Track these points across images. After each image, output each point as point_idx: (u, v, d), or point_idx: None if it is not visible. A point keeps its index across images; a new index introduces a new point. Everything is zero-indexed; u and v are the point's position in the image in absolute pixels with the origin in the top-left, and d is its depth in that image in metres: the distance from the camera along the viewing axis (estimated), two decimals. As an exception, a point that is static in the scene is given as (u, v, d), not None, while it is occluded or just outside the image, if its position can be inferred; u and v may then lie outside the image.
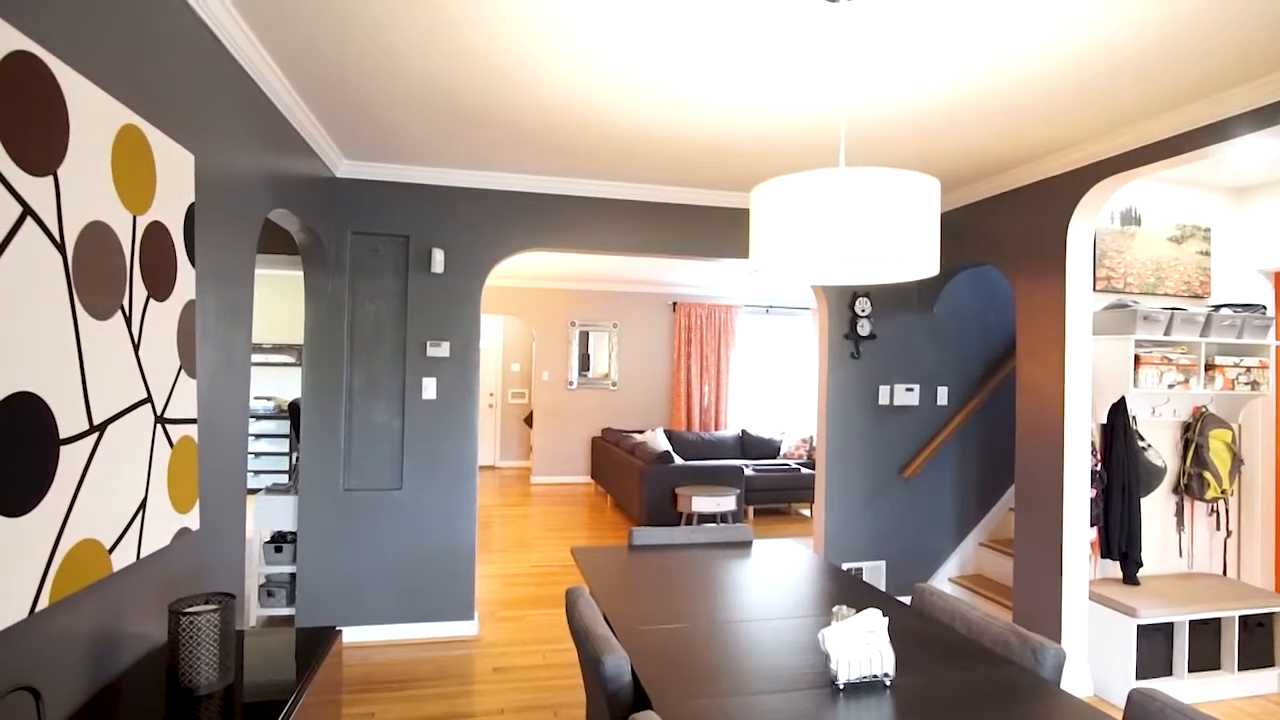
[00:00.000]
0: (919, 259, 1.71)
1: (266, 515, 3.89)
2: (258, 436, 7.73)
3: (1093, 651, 3.40)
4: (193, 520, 1.90)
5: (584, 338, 9.02)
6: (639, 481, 6.12)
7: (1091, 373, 3.51)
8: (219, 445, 2.18)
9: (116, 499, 1.52)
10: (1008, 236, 3.68)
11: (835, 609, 1.77)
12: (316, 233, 3.46)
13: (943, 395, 4.53)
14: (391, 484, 3.81)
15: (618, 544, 5.63)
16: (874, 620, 1.69)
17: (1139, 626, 3.25)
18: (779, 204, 1.78)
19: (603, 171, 3.76)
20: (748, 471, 7.01)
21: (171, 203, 1.78)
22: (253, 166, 2.47)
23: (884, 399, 4.43)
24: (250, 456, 7.69)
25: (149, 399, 1.65)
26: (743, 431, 8.74)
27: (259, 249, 4.58)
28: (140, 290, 1.62)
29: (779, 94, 2.68)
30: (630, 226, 4.07)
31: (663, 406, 9.23)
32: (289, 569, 3.89)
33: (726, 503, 5.84)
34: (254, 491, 7.47)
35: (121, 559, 1.54)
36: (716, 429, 9.18)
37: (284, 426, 7.87)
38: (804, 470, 7.36)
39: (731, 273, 7.88)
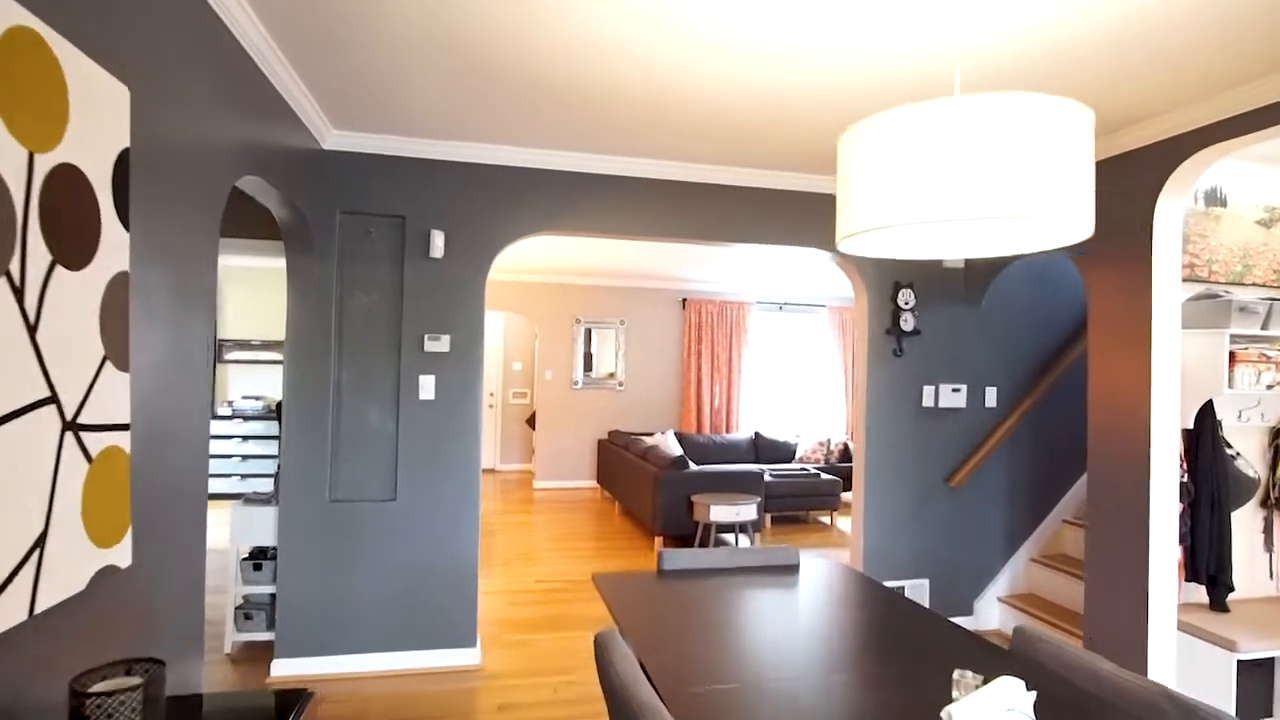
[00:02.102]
0: (1070, 216, 1.30)
1: (244, 528, 3.48)
2: (245, 439, 7.31)
3: (1181, 689, 2.99)
4: (121, 555, 1.49)
5: (589, 335, 8.61)
6: (653, 489, 5.71)
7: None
8: (168, 457, 1.77)
9: (-2, 536, 1.11)
10: (1078, 218, 3.27)
11: (956, 675, 1.36)
12: (300, 211, 3.05)
13: (991, 396, 4.13)
14: (385, 494, 3.40)
15: (640, 566, 5.23)
16: (1014, 693, 1.28)
17: (1239, 662, 2.85)
18: (881, 148, 1.37)
19: (632, 145, 3.35)
20: (766, 477, 6.60)
21: (93, 144, 1.36)
22: (217, 123, 2.06)
23: (928, 400, 4.02)
24: (237, 460, 7.26)
25: (52, 398, 1.24)
26: (756, 434, 8.34)
27: (245, 234, 4.16)
28: (40, 253, 1.21)
29: (869, 35, 2.27)
30: (661, 209, 3.66)
31: (671, 408, 8.82)
32: (269, 589, 3.48)
33: (747, 511, 5.43)
34: (232, 497, 7.05)
35: (4, 617, 1.13)
36: (728, 431, 8.77)
37: (274, 428, 7.45)
38: (824, 476, 6.95)
39: (744, 268, 7.47)
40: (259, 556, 3.53)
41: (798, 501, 6.80)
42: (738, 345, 8.83)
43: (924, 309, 4.02)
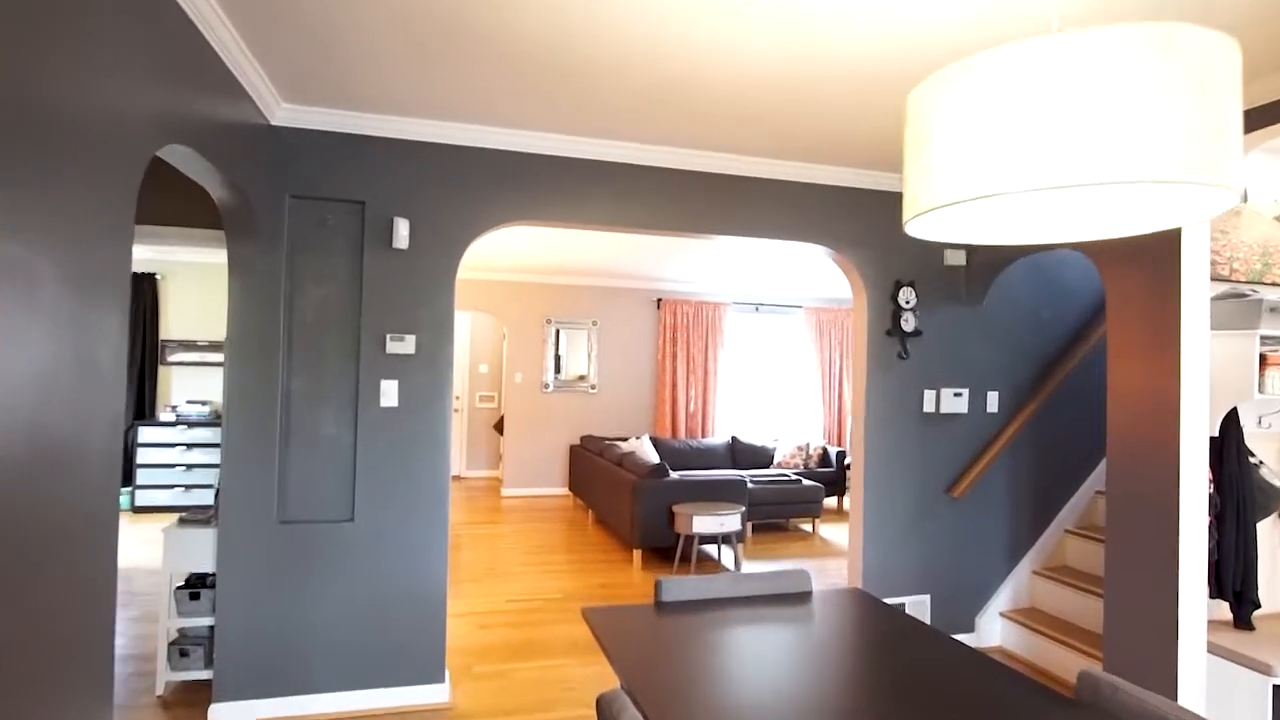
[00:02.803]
0: (1215, 179, 1.04)
1: (180, 552, 3.07)
2: (190, 447, 6.79)
3: (1211, 715, 2.80)
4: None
5: (560, 336, 8.27)
6: (631, 498, 5.40)
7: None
8: (57, 484, 1.40)
9: None
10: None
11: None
12: (244, 193, 2.67)
13: (992, 401, 3.92)
14: (341, 514, 3.02)
15: (619, 581, 4.90)
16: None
17: (1275, 687, 2.66)
18: (974, 101, 1.09)
19: (625, 128, 3.04)
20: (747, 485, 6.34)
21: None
22: (132, 78, 1.69)
23: (929, 405, 3.80)
24: (181, 470, 6.74)
25: None
26: (733, 439, 8.10)
27: (190, 223, 3.73)
28: None
29: None
30: (652, 199, 3.36)
31: (646, 412, 8.52)
32: (208, 621, 3.07)
33: (731, 522, 5.16)
34: (176, 510, 6.55)
35: None
36: (704, 436, 8.51)
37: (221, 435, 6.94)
38: (806, 482, 6.73)
39: (721, 267, 7.21)
40: (197, 585, 3.12)
41: (780, 509, 6.56)
42: (713, 347, 8.58)
43: (924, 309, 3.79)
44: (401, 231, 3.03)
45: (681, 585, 2.29)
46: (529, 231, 5.69)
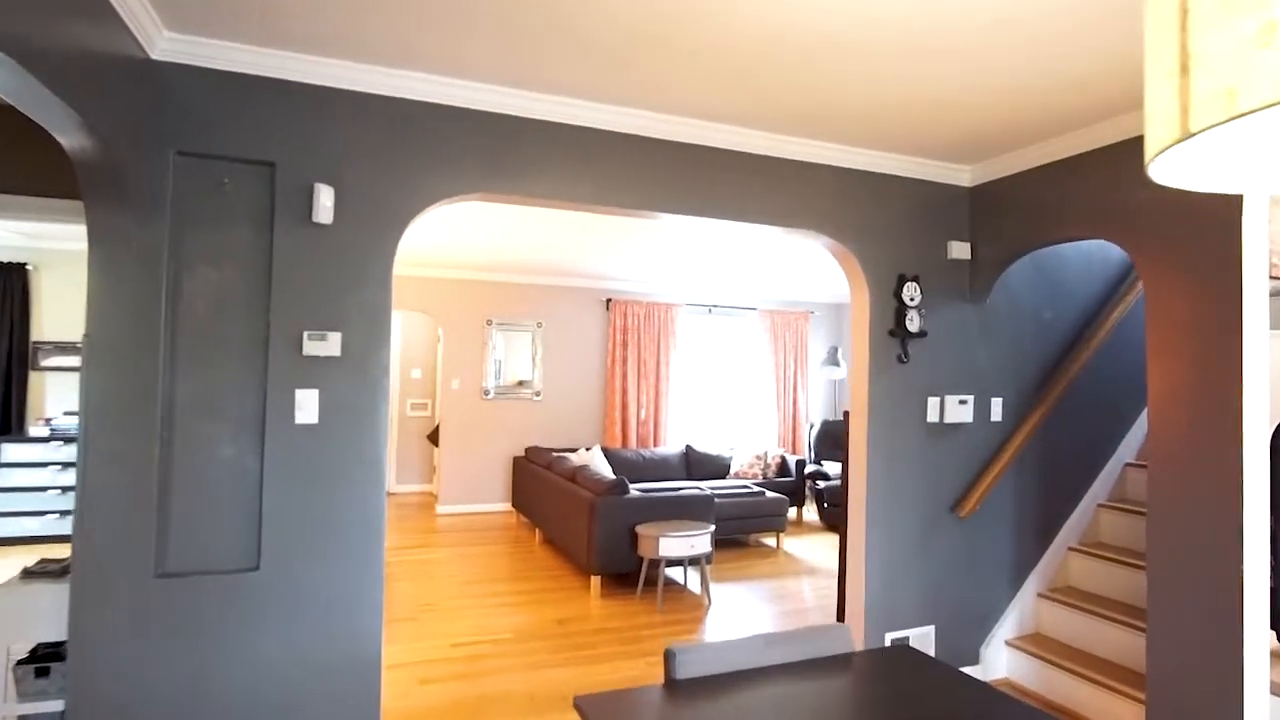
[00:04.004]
0: None
1: (23, 617, 2.35)
2: (65, 466, 5.80)
3: (1269, 763, 2.49)
4: None
5: (502, 339, 7.62)
6: (588, 518, 4.84)
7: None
8: None
9: None
10: (1136, 199, 2.74)
11: None
12: (110, 144, 2.00)
13: (997, 409, 3.57)
14: (241, 561, 2.36)
15: (577, 613, 4.12)
16: None
17: (1351, 733, 2.36)
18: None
19: (605, 84, 2.50)
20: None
21: None
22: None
23: (933, 414, 3.41)
24: (55, 494, 5.75)
25: None
26: (687, 448, 7.64)
27: (59, 193, 2.96)
28: None
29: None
30: (630, 173, 2.84)
31: (594, 420, 7.96)
32: (57, 706, 2.35)
33: (701, 543, 4.67)
34: (52, 540, 5.58)
35: None
36: (656, 445, 8.02)
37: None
38: (768, 494, 6.33)
39: (673, 265, 6.74)
40: (47, 658, 2.39)
41: (742, 524, 6.14)
42: (666, 350, 8.11)
43: (927, 307, 3.41)
44: (324, 201, 2.40)
45: (699, 655, 1.77)
46: (468, 222, 5.06)
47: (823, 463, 7.54)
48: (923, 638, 3.38)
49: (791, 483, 7.29)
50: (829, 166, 3.20)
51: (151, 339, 2.25)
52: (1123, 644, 3.25)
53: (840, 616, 3.78)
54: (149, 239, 2.25)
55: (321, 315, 2.44)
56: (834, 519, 6.90)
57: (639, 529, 4.72)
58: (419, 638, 3.93)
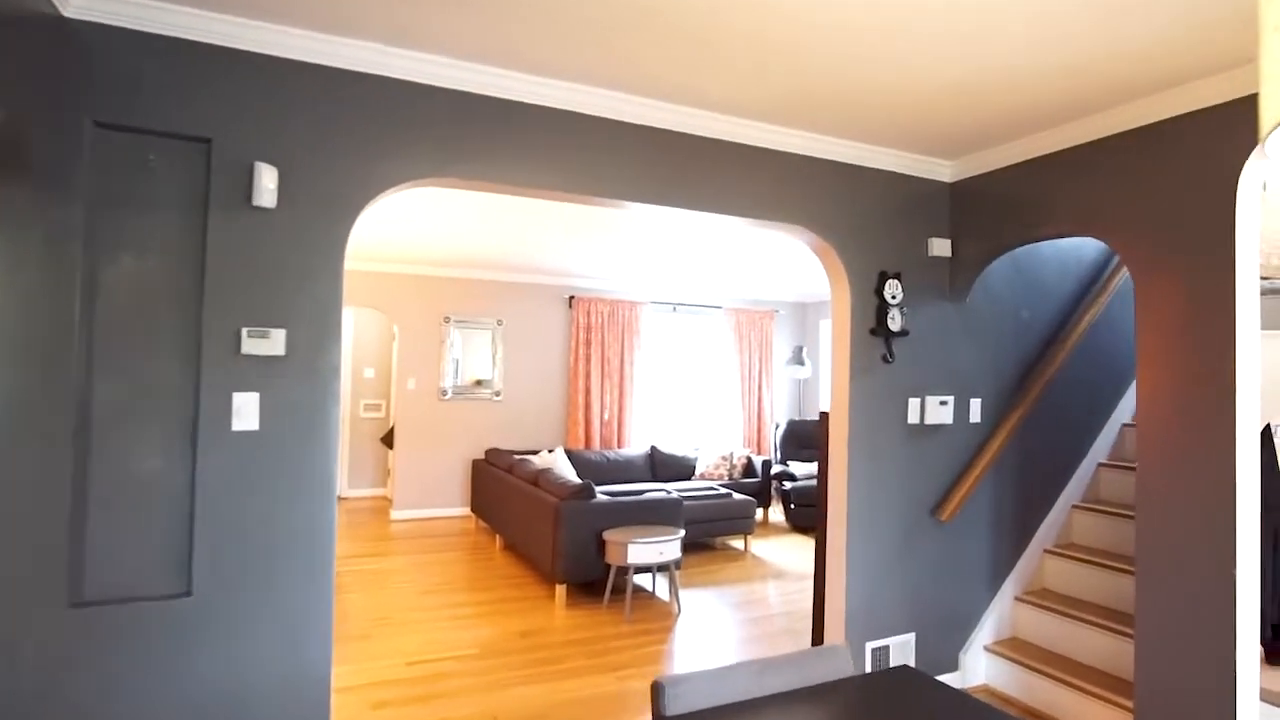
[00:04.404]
0: None
1: (-92, 653, 2.03)
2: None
3: (1258, 771, 2.45)
4: None
5: (460, 337, 7.34)
6: (553, 524, 4.64)
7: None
8: None
9: None
10: (1127, 195, 2.67)
11: None
12: (10, 110, 1.72)
13: (975, 410, 3.50)
14: (171, 586, 2.10)
15: (542, 625, 3.84)
16: None
17: (1341, 741, 2.33)
18: None
19: (582, 60, 2.31)
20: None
21: None
22: None
23: (914, 416, 3.32)
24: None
25: None
26: (652, 449, 7.49)
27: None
28: None
29: None
30: (605, 161, 2.65)
31: (557, 421, 7.74)
32: (-47, 757, 2.05)
33: (671, 549, 4.51)
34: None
35: None
36: (620, 446, 7.84)
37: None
38: (736, 496, 6.21)
39: (637, 261, 6.57)
40: (-63, 698, 2.09)
41: (710, 527, 6.00)
42: (630, 349, 7.93)
43: (908, 305, 3.31)
44: (266, 183, 2.15)
45: (689, 686, 1.60)
46: (424, 213, 4.80)
47: (789, 463, 7.47)
48: (903, 646, 3.28)
49: (758, 483, 7.20)
50: (811, 158, 3.07)
51: (63, 335, 1.98)
52: (1100, 648, 3.20)
53: (817, 624, 3.67)
54: (60, 220, 1.97)
55: (263, 310, 2.19)
56: (801, 520, 6.83)
57: (606, 535, 4.54)
58: (372, 656, 3.68)
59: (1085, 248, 3.94)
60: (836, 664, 1.79)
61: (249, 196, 2.17)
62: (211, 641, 2.11)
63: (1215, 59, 2.25)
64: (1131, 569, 3.29)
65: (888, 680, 1.75)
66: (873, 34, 2.13)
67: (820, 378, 8.80)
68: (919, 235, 3.36)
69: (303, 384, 2.22)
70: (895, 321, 3.21)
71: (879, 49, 2.23)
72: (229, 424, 2.13)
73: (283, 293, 2.21)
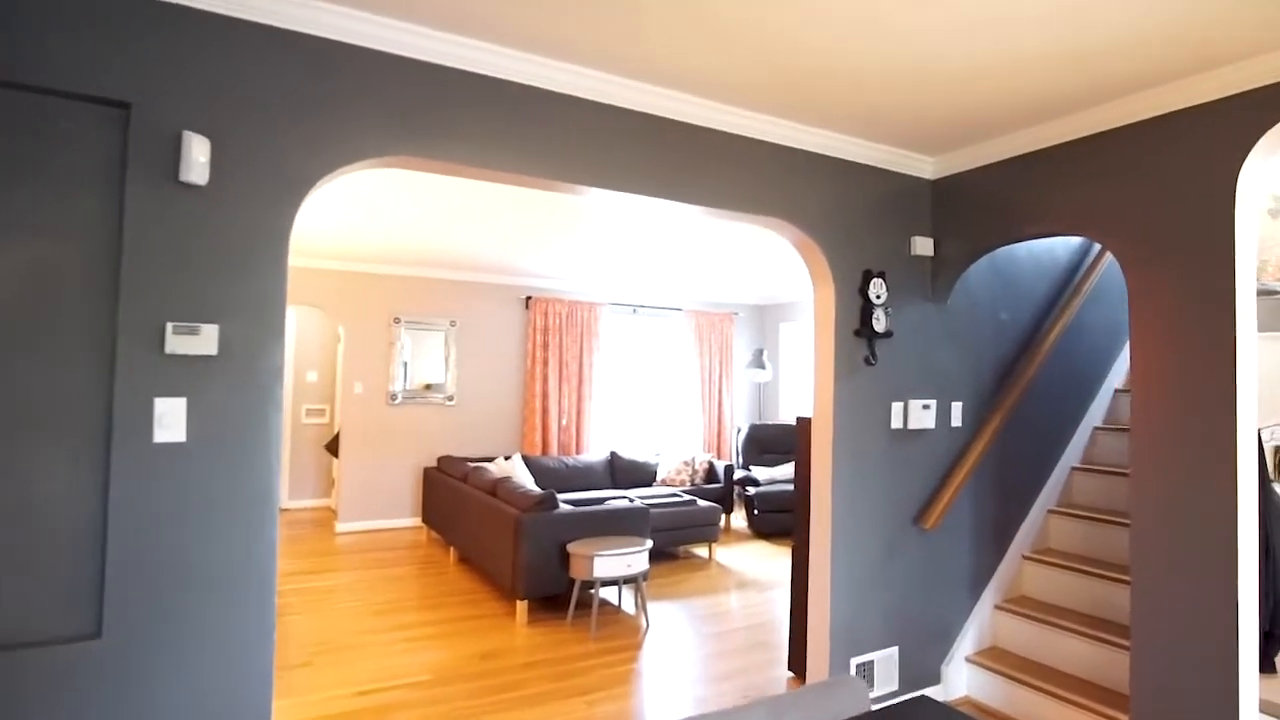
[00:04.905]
0: None
1: None
2: None
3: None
4: None
5: (411, 339, 6.98)
6: (513, 537, 4.38)
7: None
8: None
9: None
10: (1123, 193, 2.59)
11: None
12: None
13: (957, 413, 3.41)
14: (76, 627, 1.79)
15: (504, 645, 3.52)
16: None
17: (1342, 752, 2.27)
18: None
19: (558, 35, 2.08)
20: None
21: None
22: None
23: (897, 420, 3.20)
24: None
25: None
26: (612, 454, 7.27)
27: None
28: None
29: None
30: (577, 144, 2.43)
31: (513, 426, 7.44)
32: None
33: (638, 561, 4.30)
34: None
35: None
36: (579, 452, 7.60)
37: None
38: (701, 503, 6.04)
39: (596, 261, 6.36)
40: None
41: (675, 535, 5.82)
42: (589, 352, 7.70)
43: (892, 305, 3.19)
44: (197, 156, 1.87)
45: (699, 732, 1.40)
46: (373, 207, 4.49)
47: (751, 468, 7.35)
48: (887, 660, 3.15)
49: (720, 489, 7.05)
50: (793, 149, 2.92)
51: (-58, 331, 1.65)
52: (1080, 655, 3.14)
53: (795, 640, 3.51)
54: (-62, 194, 1.65)
55: (192, 303, 1.90)
56: (765, 527, 6.71)
57: (571, 548, 4.30)
58: (316, 687, 3.36)
59: (1059, 249, 3.91)
60: (854, 698, 1.61)
61: (176, 171, 1.87)
62: (126, 688, 1.80)
63: (1217, 52, 2.17)
64: (1109, 574, 3.24)
65: (904, 713, 1.59)
66: (861, 13, 1.98)
67: (780, 381, 8.73)
68: (902, 233, 3.24)
69: (239, 388, 1.94)
70: (880, 322, 3.08)
71: (870, 26, 2.08)
72: (149, 435, 1.83)
73: (216, 283, 1.92)
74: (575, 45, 2.22)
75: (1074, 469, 3.87)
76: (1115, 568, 3.35)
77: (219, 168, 1.92)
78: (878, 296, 3.08)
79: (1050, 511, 3.75)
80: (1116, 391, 4.12)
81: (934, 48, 2.19)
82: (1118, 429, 3.88)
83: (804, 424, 3.56)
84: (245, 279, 1.96)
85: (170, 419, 1.85)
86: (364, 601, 4.64)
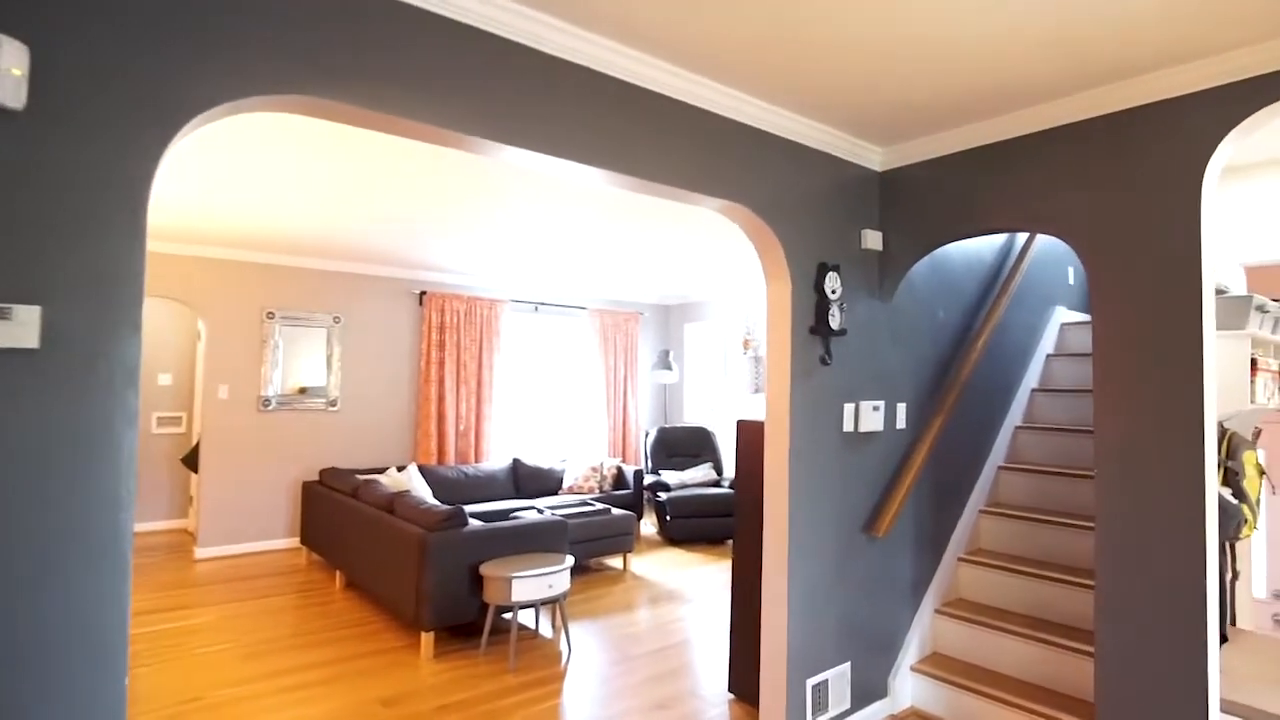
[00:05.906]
0: None
1: None
2: None
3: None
4: None
5: (287, 337, 6.20)
6: (417, 558, 3.86)
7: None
8: None
9: None
10: (1083, 188, 2.53)
11: None
12: None
13: (901, 415, 3.29)
14: None
15: (408, 686, 3.06)
16: None
17: (1297, 748, 2.28)
18: None
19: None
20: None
21: None
22: None
23: (849, 423, 3.03)
24: None
25: None
26: (515, 462, 6.81)
27: None
28: None
29: None
30: (515, 98, 2.04)
31: (405, 433, 6.80)
32: None
33: (560, 581, 3.92)
34: None
35: None
36: (479, 460, 7.06)
37: None
38: (615, 511, 5.73)
39: (497, 254, 5.91)
40: None
41: (589, 547, 5.46)
42: (489, 352, 7.19)
43: (845, 302, 3.02)
44: (8, 66, 1.33)
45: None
46: (241, 181, 3.83)
47: (661, 472, 7.12)
48: (839, 679, 2.97)
49: (630, 495, 6.77)
50: (746, 125, 2.66)
51: None
52: (1019, 656, 3.10)
53: (736, 659, 3.27)
54: None
55: (2, 274, 1.36)
56: (677, 533, 6.49)
57: (484, 569, 3.85)
58: (177, 759, 2.74)
59: (985, 249, 3.92)
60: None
61: (-27, 90, 1.33)
62: (-111, 831, 1.24)
63: (1208, 42, 2.12)
64: (1041, 573, 3.24)
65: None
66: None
67: (685, 383, 8.58)
68: (852, 225, 3.08)
69: (70, 393, 1.41)
70: (835, 319, 2.89)
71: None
72: (-72, 461, 1.28)
73: (36, 250, 1.39)
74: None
75: (1000, 468, 3.89)
76: (1046, 565, 3.36)
77: (43, 86, 1.39)
78: (833, 291, 2.89)
79: (981, 511, 3.73)
80: (1033, 391, 4.20)
81: (910, 27, 1.99)
82: (1037, 428, 3.94)
83: (746, 427, 3.33)
84: (82, 245, 1.43)
85: (-37, 438, 1.30)
86: (233, 643, 3.95)
